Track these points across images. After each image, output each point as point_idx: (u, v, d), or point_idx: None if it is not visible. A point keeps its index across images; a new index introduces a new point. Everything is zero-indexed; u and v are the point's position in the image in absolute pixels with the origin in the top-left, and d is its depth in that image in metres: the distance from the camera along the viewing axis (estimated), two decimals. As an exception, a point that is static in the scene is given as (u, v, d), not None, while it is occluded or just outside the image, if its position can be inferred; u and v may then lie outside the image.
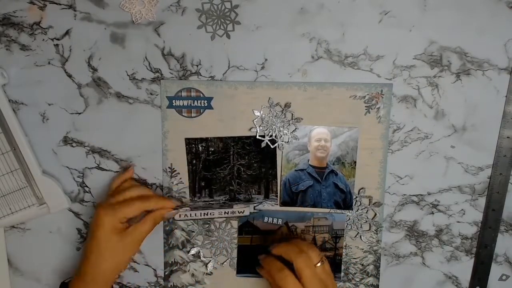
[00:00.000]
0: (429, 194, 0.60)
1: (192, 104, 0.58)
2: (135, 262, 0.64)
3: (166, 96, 0.58)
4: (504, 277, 0.62)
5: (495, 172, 0.58)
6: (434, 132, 0.58)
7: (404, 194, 0.60)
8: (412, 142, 0.58)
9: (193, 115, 0.59)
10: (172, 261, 0.63)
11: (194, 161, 0.60)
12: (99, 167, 0.61)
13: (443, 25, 0.55)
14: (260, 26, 0.56)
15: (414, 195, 0.60)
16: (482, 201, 0.60)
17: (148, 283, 0.65)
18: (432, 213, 0.60)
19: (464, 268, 0.62)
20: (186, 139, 0.59)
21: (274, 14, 0.56)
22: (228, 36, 0.57)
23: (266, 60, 0.57)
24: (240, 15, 0.56)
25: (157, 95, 0.59)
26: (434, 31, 0.55)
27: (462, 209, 0.60)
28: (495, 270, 0.62)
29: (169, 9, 0.56)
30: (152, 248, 0.63)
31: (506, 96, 0.56)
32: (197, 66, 0.57)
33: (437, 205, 0.60)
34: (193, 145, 0.59)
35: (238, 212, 0.59)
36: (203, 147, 0.59)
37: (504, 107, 0.57)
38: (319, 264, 0.50)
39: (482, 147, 0.58)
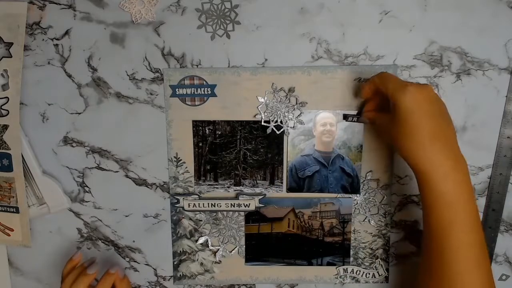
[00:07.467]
0: (429, 194, 0.60)
1: (196, 92, 0.58)
2: (135, 261, 0.64)
3: (169, 85, 0.58)
4: (504, 277, 0.62)
5: (495, 172, 0.58)
6: (434, 132, 0.58)
7: (404, 194, 0.60)
8: (412, 142, 0.58)
9: (197, 103, 0.58)
10: (180, 251, 0.63)
11: (201, 144, 0.59)
12: (99, 167, 0.61)
13: (444, 25, 0.55)
14: (260, 26, 0.56)
15: (414, 195, 0.60)
16: (482, 201, 0.60)
17: (149, 282, 0.65)
18: (432, 213, 0.60)
19: (464, 268, 0.62)
20: (193, 121, 0.59)
21: (274, 14, 0.55)
22: (228, 36, 0.57)
23: (266, 60, 0.57)
24: (240, 15, 0.56)
25: (157, 95, 0.58)
26: (434, 31, 0.55)
27: (462, 209, 0.60)
28: (495, 270, 0.62)
29: (169, 9, 0.56)
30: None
31: (506, 96, 0.56)
32: (197, 66, 0.57)
33: (437, 205, 0.60)
34: (200, 128, 0.59)
35: (244, 205, 0.60)
36: (210, 130, 0.59)
37: (504, 107, 0.57)
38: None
39: (482, 147, 0.58)
